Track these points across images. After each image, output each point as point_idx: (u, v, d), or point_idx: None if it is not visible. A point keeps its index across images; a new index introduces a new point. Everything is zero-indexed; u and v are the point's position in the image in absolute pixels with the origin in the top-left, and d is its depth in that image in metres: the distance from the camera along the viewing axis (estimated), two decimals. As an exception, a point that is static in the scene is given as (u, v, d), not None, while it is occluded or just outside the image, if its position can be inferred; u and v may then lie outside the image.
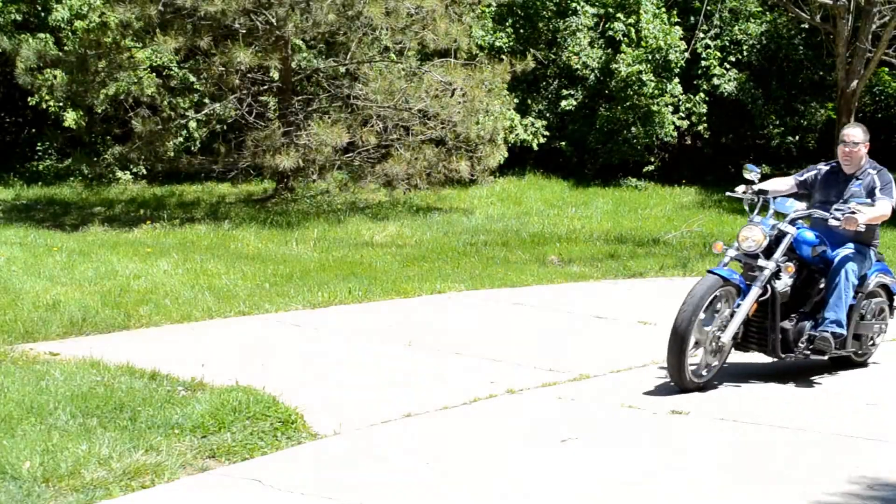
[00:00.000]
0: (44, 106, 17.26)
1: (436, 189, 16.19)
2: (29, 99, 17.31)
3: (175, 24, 14.13)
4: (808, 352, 6.56)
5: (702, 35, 20.00)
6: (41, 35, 17.39)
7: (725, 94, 20.20)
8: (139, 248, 11.37)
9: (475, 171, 16.00)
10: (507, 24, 20.00)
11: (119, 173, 17.49)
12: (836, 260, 6.66)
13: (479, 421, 5.59)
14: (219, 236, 12.78)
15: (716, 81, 20.15)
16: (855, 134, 7.01)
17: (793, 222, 6.61)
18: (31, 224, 13.54)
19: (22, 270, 9.50)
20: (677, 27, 19.61)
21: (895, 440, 5.31)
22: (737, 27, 20.89)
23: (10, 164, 18.64)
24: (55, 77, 15.85)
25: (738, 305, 6.27)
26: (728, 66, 20.46)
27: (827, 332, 6.52)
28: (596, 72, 19.87)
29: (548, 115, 19.94)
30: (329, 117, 15.33)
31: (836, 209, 6.66)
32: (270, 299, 8.60)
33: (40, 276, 9.20)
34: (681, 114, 19.83)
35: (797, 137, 21.50)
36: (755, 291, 6.26)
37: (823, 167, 7.14)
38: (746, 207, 6.80)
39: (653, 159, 20.03)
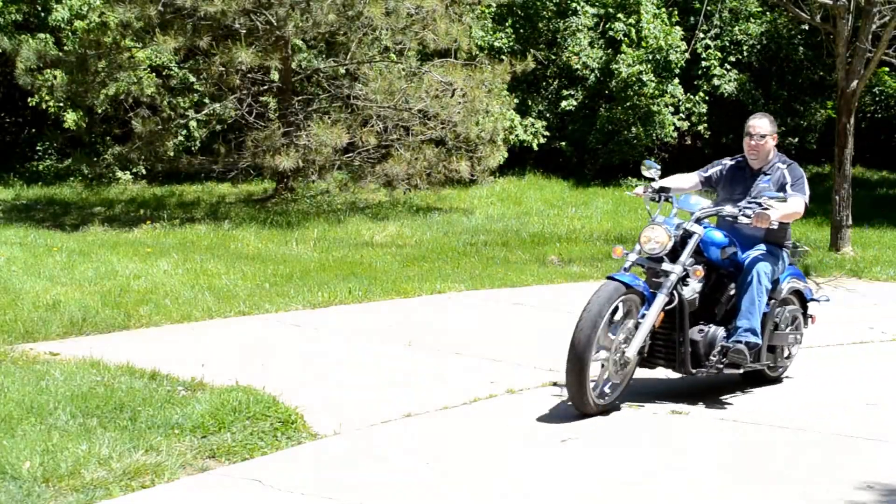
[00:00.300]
0: (44, 106, 17.27)
1: (436, 189, 16.19)
2: (29, 99, 17.31)
3: (175, 24, 14.13)
4: (722, 366, 5.95)
5: (702, 35, 20.00)
6: (41, 35, 17.39)
7: (726, 94, 20.21)
8: (139, 248, 11.37)
9: (475, 172, 16.01)
10: (507, 24, 20.01)
11: (119, 173, 17.51)
12: (747, 262, 6.12)
13: (479, 421, 5.59)
14: (219, 236, 12.78)
15: (716, 82, 20.17)
16: (761, 125, 6.36)
17: (699, 221, 6.02)
18: (31, 224, 13.54)
19: (22, 270, 9.50)
20: (677, 27, 19.63)
21: (895, 440, 5.30)
22: (737, 27, 20.90)
23: (10, 164, 18.65)
24: (55, 77, 15.85)
25: (643, 315, 5.66)
26: (728, 67, 20.47)
27: (741, 342, 5.94)
28: (596, 72, 19.87)
29: (548, 115, 19.95)
30: (329, 117, 15.33)
31: (747, 206, 6.10)
32: (270, 299, 8.60)
33: (40, 276, 9.20)
34: (681, 114, 19.84)
35: (797, 138, 21.52)
36: (661, 299, 5.66)
37: (729, 162, 6.58)
38: (647, 207, 6.19)
39: (653, 160, 20.03)
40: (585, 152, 20.08)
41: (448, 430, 5.44)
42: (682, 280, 5.79)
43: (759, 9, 21.18)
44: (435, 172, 15.39)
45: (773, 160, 6.38)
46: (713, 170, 6.58)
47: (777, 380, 6.59)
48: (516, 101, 18.55)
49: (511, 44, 19.68)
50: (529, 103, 19.78)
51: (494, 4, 18.72)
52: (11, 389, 5.52)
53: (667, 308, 5.70)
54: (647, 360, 5.91)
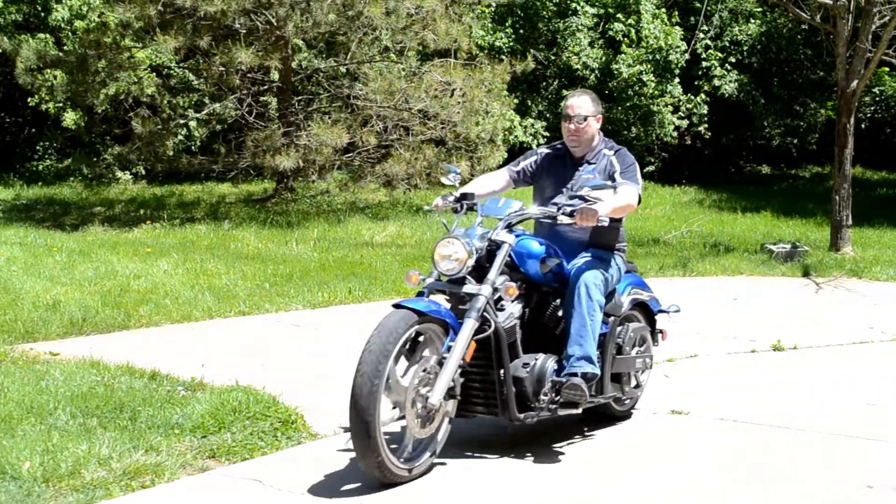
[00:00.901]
0: (44, 106, 17.28)
1: (436, 189, 16.19)
2: (29, 99, 17.32)
3: (175, 23, 14.14)
4: (555, 406, 4.85)
5: (702, 35, 20.00)
6: (41, 35, 17.42)
7: (726, 94, 20.22)
8: (139, 248, 11.37)
9: (475, 172, 16.00)
10: (507, 24, 20.02)
11: (119, 173, 17.52)
12: (573, 274, 5.05)
13: (479, 420, 5.59)
14: (219, 236, 12.78)
15: (716, 82, 20.17)
16: (581, 104, 5.25)
17: (510, 228, 4.94)
18: (31, 224, 13.54)
19: (22, 270, 9.50)
20: (677, 27, 19.64)
21: (895, 440, 5.30)
22: (737, 27, 20.91)
23: (10, 164, 18.66)
24: (55, 77, 15.86)
25: (449, 349, 4.49)
26: (729, 67, 20.48)
27: (576, 374, 4.88)
28: (596, 72, 19.88)
29: (548, 115, 19.96)
30: (329, 117, 15.34)
31: (567, 203, 5.13)
32: (270, 299, 8.60)
33: (40, 276, 9.21)
34: (681, 114, 19.85)
35: (797, 138, 21.53)
36: (469, 325, 4.50)
37: (545, 150, 5.50)
38: (443, 221, 5.06)
39: (653, 160, 20.05)
40: (585, 152, 20.09)
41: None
42: (496, 304, 4.74)
43: (759, 9, 21.19)
44: (435, 172, 15.40)
45: (598, 146, 5.32)
46: (525, 162, 5.51)
47: (626, 415, 5.61)
48: (516, 101, 18.57)
49: (511, 44, 19.68)
50: (529, 103, 19.79)
51: (494, 4, 18.72)
52: (11, 389, 5.52)
53: (480, 338, 4.57)
54: (462, 406, 4.74)
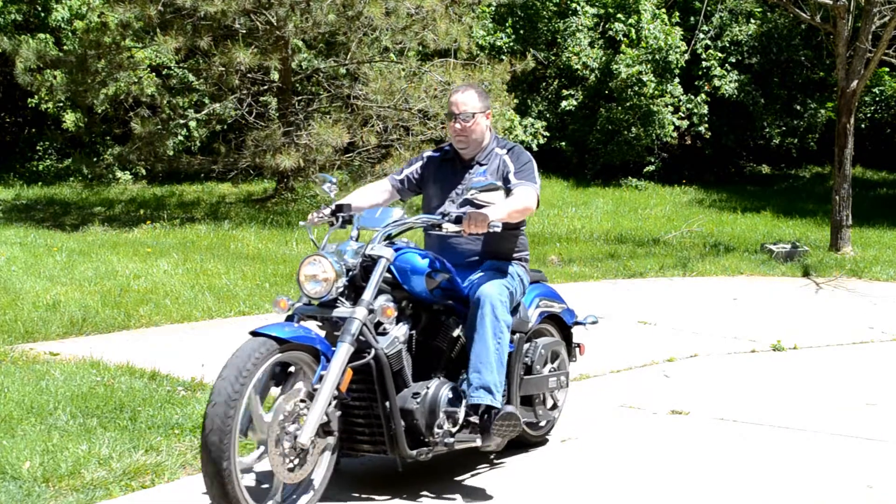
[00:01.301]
0: (44, 106, 17.28)
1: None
2: (29, 99, 17.32)
3: (175, 24, 14.14)
4: (453, 440, 4.30)
5: (702, 35, 20.01)
6: (41, 35, 17.42)
7: (726, 95, 20.22)
8: (139, 248, 11.37)
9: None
10: (507, 24, 20.02)
11: (119, 173, 17.52)
12: (473, 292, 4.49)
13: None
14: (219, 236, 12.78)
15: (717, 82, 20.18)
16: (467, 100, 4.67)
17: (390, 241, 4.38)
18: (31, 224, 13.54)
19: (22, 270, 9.50)
20: (677, 27, 19.64)
21: (895, 440, 5.30)
22: (737, 28, 20.92)
23: (10, 164, 18.66)
24: (55, 77, 15.86)
25: (321, 379, 3.93)
26: (729, 68, 20.49)
27: (477, 405, 4.38)
28: (596, 72, 19.88)
29: (548, 115, 19.97)
30: (329, 117, 15.34)
31: (452, 211, 4.56)
32: (270, 299, 8.59)
33: (40, 276, 9.21)
34: (681, 114, 19.85)
35: (797, 138, 21.53)
36: (343, 350, 3.93)
37: (431, 154, 4.92)
38: (312, 237, 4.45)
39: (653, 160, 20.05)
40: (585, 152, 20.10)
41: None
42: (378, 327, 4.19)
43: (759, 9, 21.20)
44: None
45: (489, 146, 4.76)
46: (409, 169, 4.91)
47: (542, 441, 5.11)
48: (516, 101, 18.59)
49: (511, 44, 19.68)
50: (529, 103, 19.80)
51: (494, 4, 18.73)
52: (11, 389, 5.52)
53: (357, 366, 4.00)
54: (346, 445, 4.22)
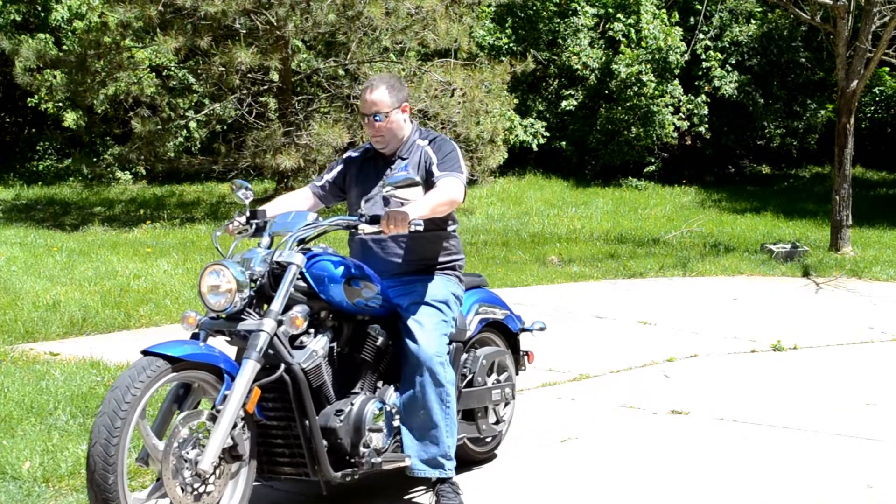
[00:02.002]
0: (43, 106, 17.28)
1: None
2: (29, 99, 17.32)
3: (175, 24, 14.14)
4: (381, 458, 4.01)
5: (702, 36, 20.02)
6: (41, 35, 17.42)
7: (726, 95, 20.22)
8: (139, 248, 11.38)
9: (475, 172, 16.02)
10: (507, 24, 20.03)
11: (119, 173, 17.52)
12: (404, 309, 4.19)
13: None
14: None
15: (717, 83, 20.18)
16: (378, 98, 4.31)
17: (305, 248, 4.00)
18: (31, 224, 13.54)
19: (22, 270, 9.50)
20: (677, 28, 19.64)
21: (895, 440, 5.30)
22: (737, 28, 20.92)
23: (10, 164, 18.67)
24: (55, 77, 15.86)
25: (225, 399, 3.60)
26: (729, 68, 20.49)
27: (434, 478, 4.18)
28: (596, 72, 19.89)
29: (548, 115, 19.97)
30: (329, 117, 15.34)
31: (368, 212, 4.11)
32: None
33: (40, 276, 9.21)
34: (681, 114, 19.85)
35: (797, 138, 21.53)
36: (248, 369, 3.61)
37: (351, 154, 4.59)
38: (217, 247, 4.10)
39: (653, 160, 20.06)
40: (586, 152, 20.10)
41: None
42: (293, 341, 3.86)
43: (760, 9, 21.20)
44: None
45: (409, 138, 4.42)
46: (330, 174, 4.57)
47: (489, 457, 4.82)
48: (516, 101, 18.59)
49: (511, 44, 19.69)
50: (529, 103, 19.80)
51: (494, 4, 18.73)
52: (11, 389, 5.52)
53: (267, 383, 3.68)
54: (266, 468, 3.91)
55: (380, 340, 4.12)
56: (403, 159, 4.36)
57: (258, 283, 3.82)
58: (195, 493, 3.52)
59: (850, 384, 6.60)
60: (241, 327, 3.74)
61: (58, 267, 9.81)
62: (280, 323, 3.73)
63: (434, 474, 4.14)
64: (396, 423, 4.11)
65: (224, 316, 3.80)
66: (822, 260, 11.86)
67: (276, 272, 3.85)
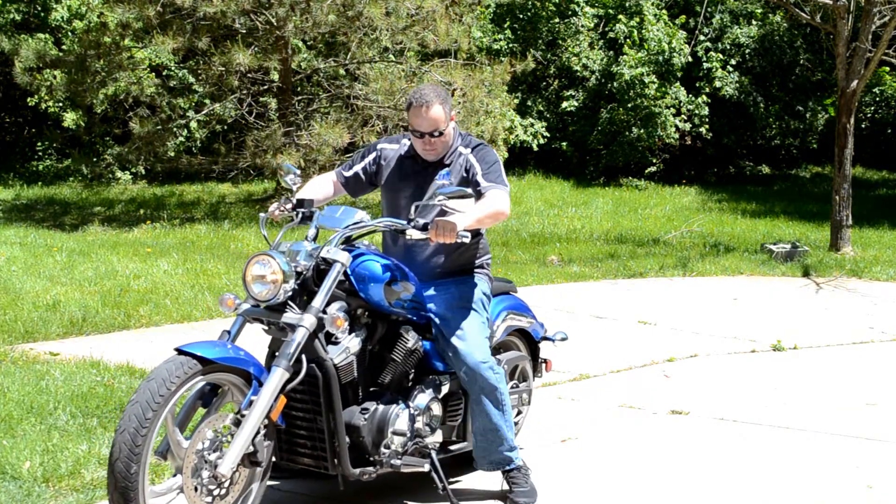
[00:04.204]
0: (43, 106, 17.27)
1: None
2: (29, 99, 17.32)
3: (174, 24, 14.13)
4: (400, 461, 4.03)
5: (702, 37, 20.02)
6: (41, 35, 17.41)
7: (727, 96, 20.23)
8: (139, 248, 11.37)
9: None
10: (507, 24, 20.03)
11: (119, 173, 17.51)
12: (441, 316, 4.24)
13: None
14: (219, 236, 12.78)
15: (717, 84, 20.18)
16: (434, 115, 4.20)
17: (350, 244, 4.10)
18: (31, 224, 13.54)
19: (22, 270, 9.50)
20: (681, 31, 19.64)
21: (895, 440, 5.30)
22: (737, 29, 20.93)
23: (10, 164, 18.66)
24: (54, 77, 15.86)
25: (251, 405, 3.60)
26: (730, 69, 20.49)
27: (510, 469, 4.29)
28: (597, 73, 19.89)
29: (548, 115, 19.96)
30: (330, 117, 15.34)
31: (419, 217, 4.06)
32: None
33: (40, 276, 9.21)
34: (683, 116, 19.85)
35: (797, 139, 21.54)
36: (276, 377, 3.61)
37: (388, 147, 4.46)
38: (264, 235, 4.18)
39: (655, 161, 20.06)
40: (586, 153, 20.10)
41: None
42: (329, 337, 3.86)
43: (760, 10, 21.21)
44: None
45: (454, 145, 4.36)
46: (363, 163, 4.48)
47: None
48: (516, 101, 18.58)
49: (511, 45, 19.69)
50: (529, 104, 19.80)
51: (494, 5, 18.73)
52: (11, 389, 5.52)
53: (295, 387, 3.70)
54: (285, 456, 3.96)
55: (410, 342, 4.12)
56: (446, 165, 4.32)
57: (302, 276, 3.85)
58: (210, 494, 3.55)
59: (851, 384, 6.60)
60: (283, 319, 3.76)
61: (58, 267, 9.81)
62: (320, 320, 3.76)
63: (507, 466, 4.29)
64: (419, 425, 4.13)
65: (264, 305, 3.81)
66: (823, 260, 11.86)
67: (322, 268, 3.88)
